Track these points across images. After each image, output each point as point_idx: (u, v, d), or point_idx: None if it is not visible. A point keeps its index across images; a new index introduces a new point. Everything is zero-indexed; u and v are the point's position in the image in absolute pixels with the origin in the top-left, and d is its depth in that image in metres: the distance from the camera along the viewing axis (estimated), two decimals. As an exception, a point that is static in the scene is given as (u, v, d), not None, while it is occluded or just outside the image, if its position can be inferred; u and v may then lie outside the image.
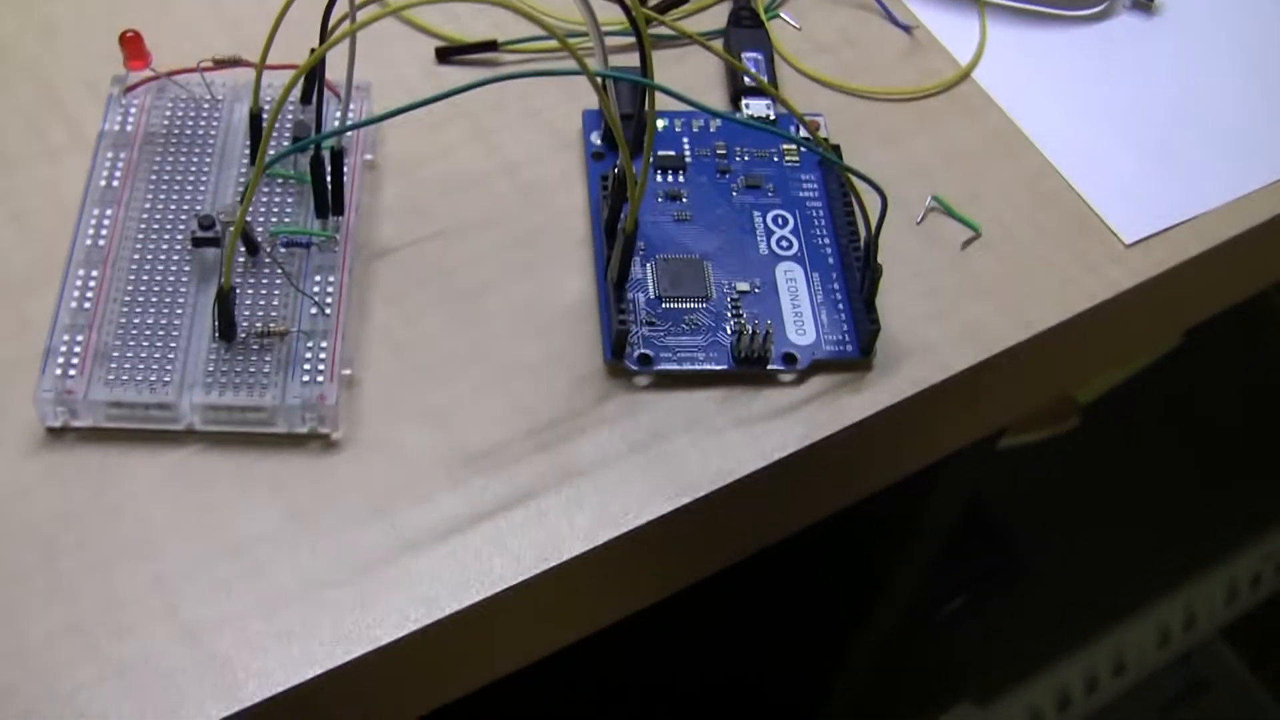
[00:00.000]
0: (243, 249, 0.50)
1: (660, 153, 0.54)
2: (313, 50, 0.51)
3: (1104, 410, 0.90)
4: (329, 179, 0.50)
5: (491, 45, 0.57)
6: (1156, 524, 0.99)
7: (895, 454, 0.55)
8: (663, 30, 0.59)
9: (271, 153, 0.52)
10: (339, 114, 0.53)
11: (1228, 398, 1.01)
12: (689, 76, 0.58)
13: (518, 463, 0.48)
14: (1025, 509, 0.95)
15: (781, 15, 0.60)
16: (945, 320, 0.53)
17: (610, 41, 0.55)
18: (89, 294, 0.49)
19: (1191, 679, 1.04)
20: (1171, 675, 1.03)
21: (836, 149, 0.55)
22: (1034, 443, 0.87)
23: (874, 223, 0.48)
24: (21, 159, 0.54)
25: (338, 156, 0.50)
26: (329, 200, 0.50)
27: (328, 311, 0.49)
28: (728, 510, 0.50)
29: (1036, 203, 0.56)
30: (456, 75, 0.57)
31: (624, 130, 0.53)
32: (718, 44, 0.59)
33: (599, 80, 0.44)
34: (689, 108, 0.54)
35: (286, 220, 0.51)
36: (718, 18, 0.60)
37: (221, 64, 0.52)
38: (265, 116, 0.52)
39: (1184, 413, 0.99)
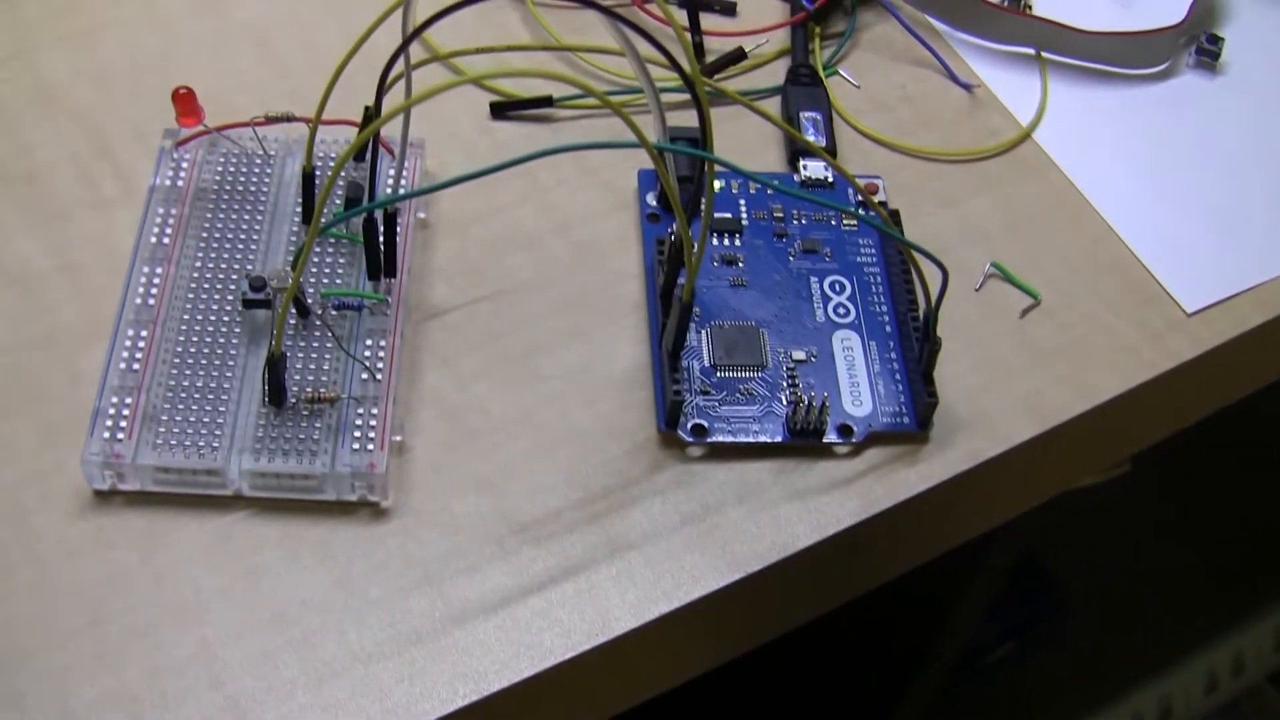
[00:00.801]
0: (293, 311, 0.49)
1: (717, 214, 0.54)
2: (367, 108, 0.51)
3: (1154, 455, 0.89)
4: (382, 241, 0.50)
5: (546, 101, 0.56)
6: (1206, 570, 0.98)
7: (950, 525, 0.54)
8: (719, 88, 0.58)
9: (325, 213, 0.51)
10: (393, 171, 0.53)
11: (1278, 440, 1.00)
12: (746, 133, 0.57)
13: (569, 533, 0.47)
14: (1074, 554, 0.94)
15: (840, 72, 0.59)
16: (1003, 391, 0.52)
17: (667, 98, 0.55)
18: (138, 354, 0.48)
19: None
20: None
21: (895, 214, 0.54)
22: (1083, 488, 0.86)
23: (934, 296, 0.48)
24: (73, 209, 0.53)
25: (391, 218, 0.50)
26: (381, 262, 0.50)
27: (378, 377, 0.48)
28: (781, 583, 0.49)
29: (1097, 268, 0.55)
30: (510, 131, 0.57)
31: (681, 194, 0.53)
32: (773, 109, 0.58)
33: (656, 152, 0.43)
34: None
35: (338, 281, 0.50)
36: (776, 74, 0.59)
37: (274, 120, 0.52)
38: (318, 176, 0.52)
39: (1235, 457, 0.98)
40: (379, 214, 0.49)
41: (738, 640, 0.52)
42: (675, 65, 0.43)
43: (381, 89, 0.47)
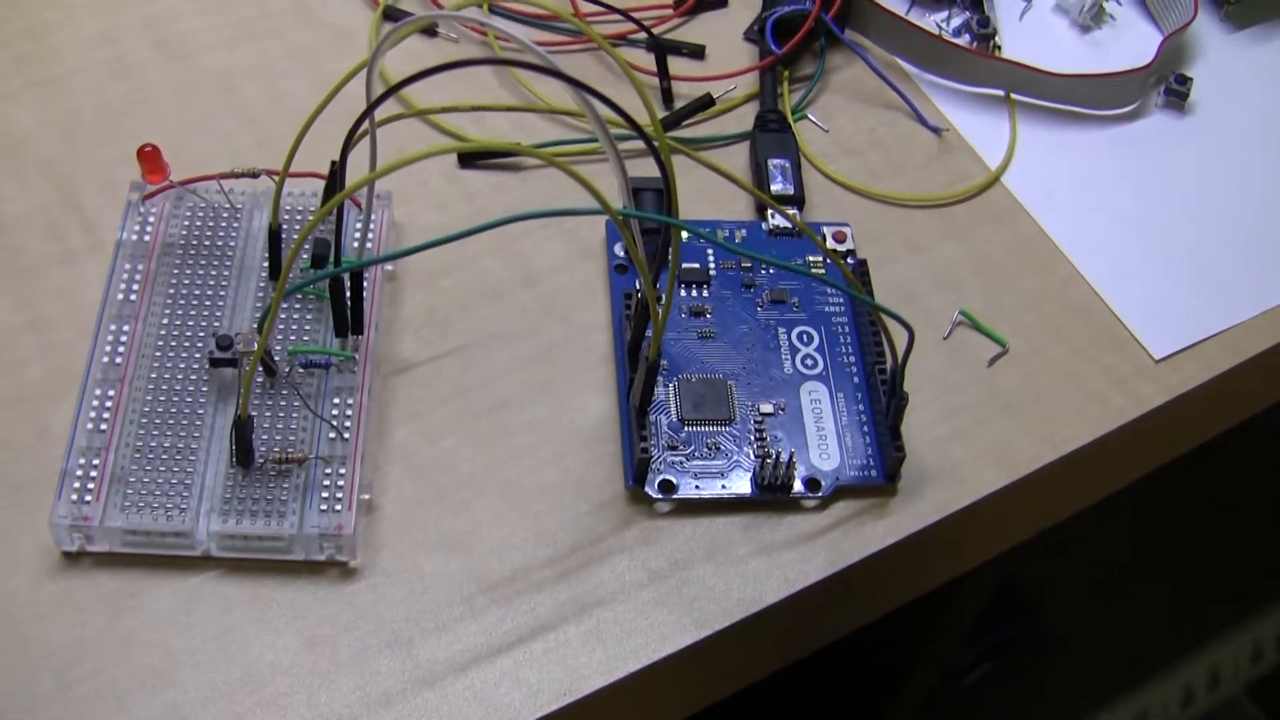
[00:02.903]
0: (260, 369, 0.49)
1: (685, 265, 0.54)
2: (333, 163, 0.51)
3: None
4: (349, 298, 0.50)
5: (514, 151, 0.56)
6: (1180, 585, 0.99)
7: (919, 574, 0.54)
8: (687, 134, 0.58)
9: (294, 271, 0.51)
10: (359, 224, 0.53)
11: (1250, 457, 1.00)
12: (713, 181, 0.57)
13: (537, 591, 0.48)
14: (1048, 574, 0.94)
15: (809, 116, 0.59)
16: (971, 440, 0.52)
17: (635, 145, 0.55)
18: (105, 414, 0.48)
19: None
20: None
21: (864, 264, 0.54)
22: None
23: (900, 353, 0.48)
24: (40, 262, 0.53)
25: (358, 275, 0.50)
26: (349, 320, 0.50)
27: (346, 436, 0.48)
28: (750, 636, 0.49)
29: (1065, 314, 0.55)
30: (479, 180, 0.57)
31: (648, 245, 0.53)
32: (741, 154, 0.58)
33: (620, 218, 0.43)
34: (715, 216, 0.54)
35: (305, 338, 0.50)
36: (744, 119, 0.59)
37: (242, 175, 0.51)
38: (285, 229, 0.52)
39: (1205, 473, 0.98)
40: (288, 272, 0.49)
41: (707, 691, 0.52)
42: (634, 126, 0.43)
43: (346, 150, 0.47)
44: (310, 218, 0.53)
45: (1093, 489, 0.57)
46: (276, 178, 0.52)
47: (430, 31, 0.61)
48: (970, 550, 0.55)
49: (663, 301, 0.46)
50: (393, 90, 0.43)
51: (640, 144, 0.44)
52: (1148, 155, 0.60)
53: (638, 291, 0.50)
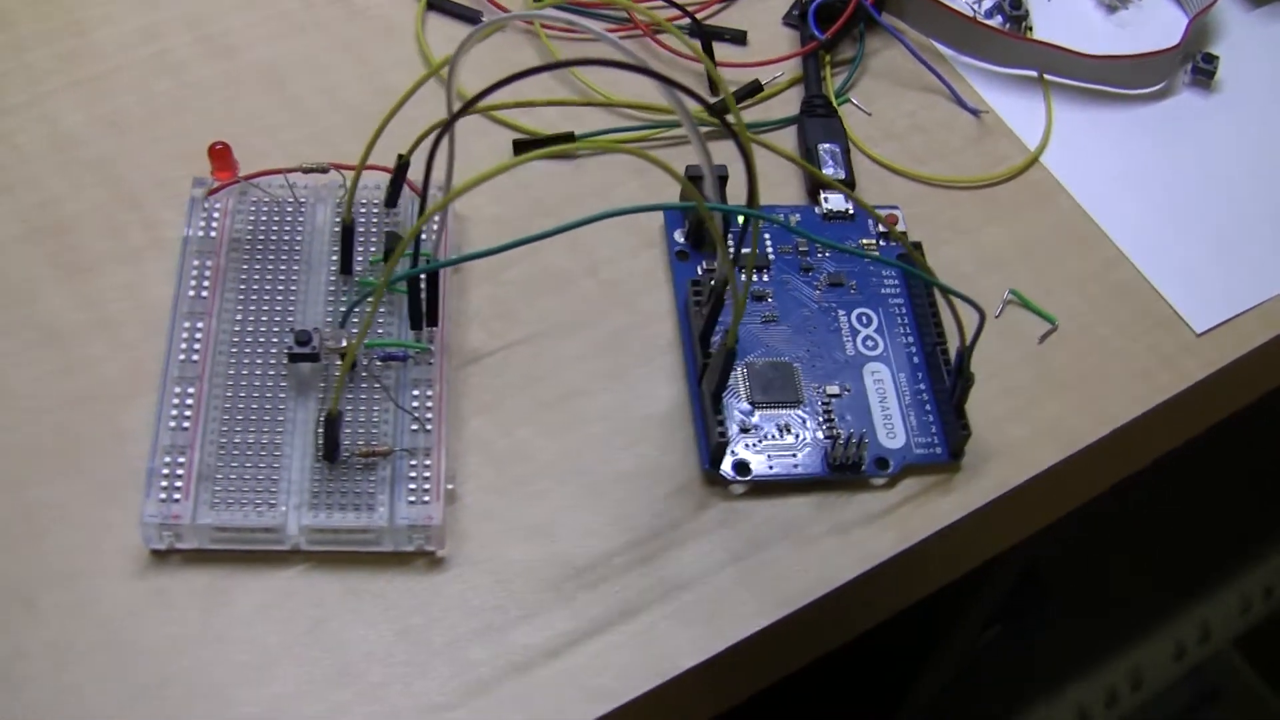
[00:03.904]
0: (338, 362, 0.50)
1: (744, 250, 0.55)
2: (400, 156, 0.51)
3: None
4: (424, 292, 0.50)
5: (569, 138, 0.57)
6: (1172, 541, 1.01)
7: (978, 546, 0.55)
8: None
9: (360, 260, 0.52)
10: (421, 214, 0.53)
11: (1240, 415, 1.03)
12: (763, 165, 0.57)
13: (622, 576, 0.49)
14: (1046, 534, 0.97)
15: (852, 100, 0.61)
16: (1026, 418, 0.53)
17: (681, 133, 0.56)
18: (186, 412, 0.49)
19: (1203, 689, 1.06)
20: (1184, 686, 1.04)
21: (918, 246, 0.55)
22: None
23: (969, 335, 0.49)
24: (101, 260, 0.53)
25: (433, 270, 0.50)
26: (424, 312, 0.50)
27: (428, 428, 0.49)
28: (823, 612, 0.50)
29: (1109, 292, 0.57)
30: (534, 169, 0.57)
31: (705, 234, 0.54)
32: (789, 140, 0.59)
33: (710, 213, 0.44)
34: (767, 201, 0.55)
35: (380, 331, 0.51)
36: (788, 103, 0.60)
37: (310, 170, 0.52)
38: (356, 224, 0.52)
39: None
40: (399, 264, 0.50)
41: (779, 666, 0.53)
42: (722, 121, 0.44)
43: (432, 157, 0.47)
44: (375, 210, 0.53)
45: (1135, 459, 0.58)
46: (343, 173, 0.53)
47: (473, 19, 0.61)
48: (1024, 522, 0.57)
49: (742, 292, 0.47)
50: (475, 101, 0.43)
51: (685, 132, 0.44)
52: (1178, 134, 0.62)
53: (707, 275, 0.51)
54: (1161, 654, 1.01)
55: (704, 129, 0.58)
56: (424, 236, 0.53)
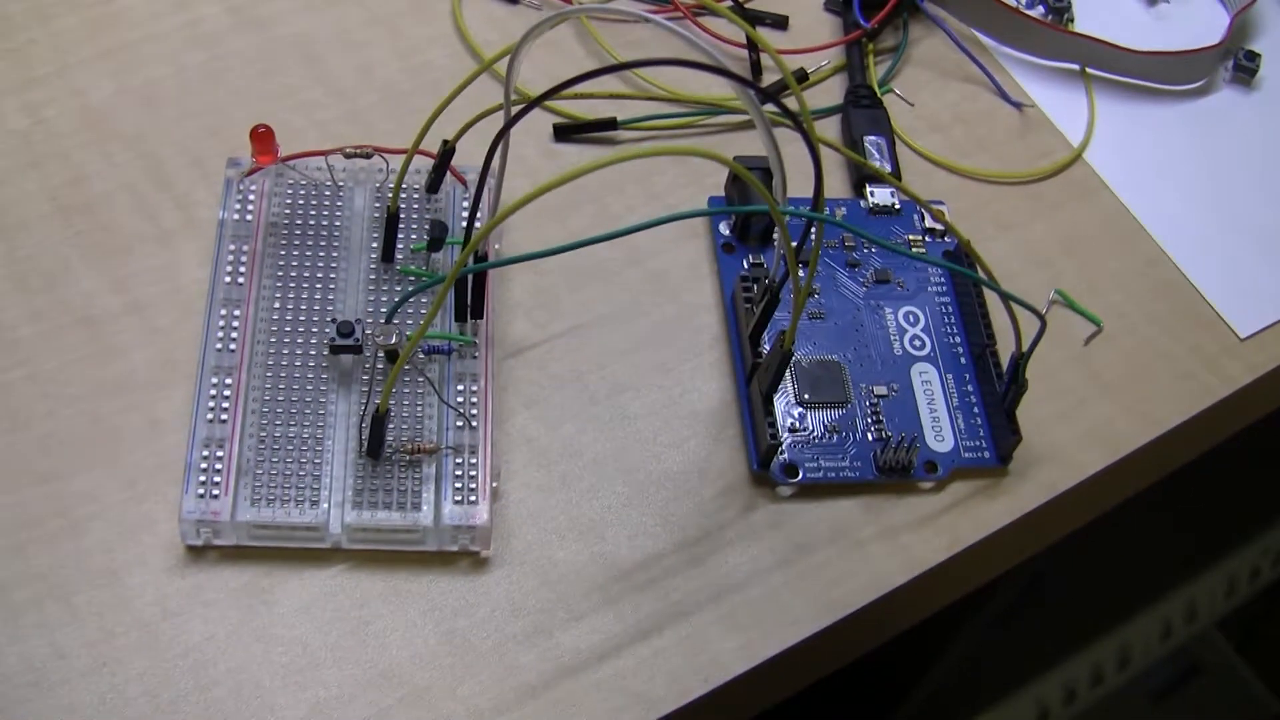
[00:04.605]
0: (382, 356, 0.48)
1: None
2: (445, 141, 0.50)
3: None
4: (470, 285, 0.49)
5: (611, 124, 0.56)
6: (1161, 524, 1.01)
7: (1019, 548, 0.55)
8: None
9: (401, 248, 0.50)
10: (466, 201, 0.52)
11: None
12: (805, 156, 0.56)
13: (671, 578, 0.48)
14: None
15: (895, 91, 0.59)
16: (1073, 421, 0.53)
17: (726, 120, 0.54)
18: (225, 403, 0.47)
19: (1184, 666, 1.07)
20: (1165, 663, 1.05)
21: (967, 244, 0.54)
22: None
23: (1026, 341, 0.48)
24: (133, 242, 0.52)
25: (480, 260, 0.49)
26: (469, 304, 0.49)
27: (474, 424, 0.48)
28: (870, 615, 0.50)
29: (1152, 293, 0.56)
30: (575, 155, 0.56)
31: (755, 226, 0.53)
32: (832, 129, 0.58)
33: (783, 217, 0.43)
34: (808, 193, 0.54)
35: (421, 323, 0.49)
36: (830, 92, 0.59)
37: (353, 155, 0.50)
38: (392, 208, 0.51)
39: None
40: (470, 258, 0.48)
41: (824, 664, 0.52)
42: (791, 116, 0.43)
43: (489, 159, 0.45)
44: (416, 196, 0.52)
45: (1173, 460, 0.58)
46: (385, 156, 0.51)
47: (510, -1, 0.60)
48: (1063, 524, 0.56)
49: (804, 294, 0.46)
50: (538, 102, 0.42)
51: (734, 119, 0.42)
52: (1220, 131, 0.61)
53: (759, 275, 0.50)
54: (1149, 633, 1.01)
55: (742, 117, 0.57)
56: (461, 224, 0.52)
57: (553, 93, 0.41)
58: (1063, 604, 0.98)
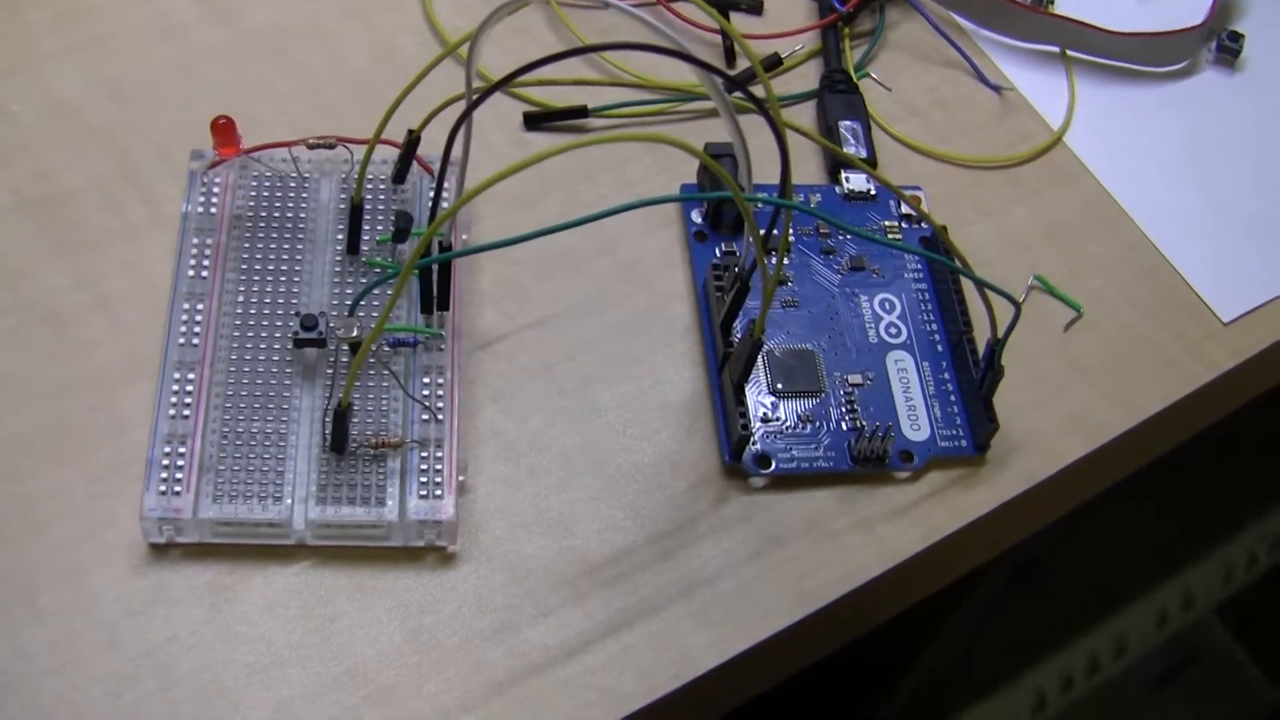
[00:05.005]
0: (345, 349, 0.48)
1: (762, 230, 0.53)
2: (410, 131, 0.49)
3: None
4: (436, 276, 0.48)
5: (582, 111, 0.55)
6: (1157, 511, 1.00)
7: (998, 538, 0.54)
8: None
9: (366, 239, 0.50)
10: (431, 191, 0.51)
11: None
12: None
13: (640, 572, 0.47)
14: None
15: (871, 75, 0.59)
16: (1051, 408, 0.52)
17: (694, 107, 0.54)
18: (187, 399, 0.47)
19: (1182, 653, 1.06)
20: (1162, 651, 1.04)
21: (944, 230, 0.53)
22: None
23: (1000, 326, 0.47)
24: (101, 236, 0.51)
25: (445, 251, 0.48)
26: (435, 296, 0.48)
27: (440, 418, 0.47)
28: (846, 607, 0.49)
29: (1134, 277, 0.56)
30: (544, 143, 0.55)
31: (727, 214, 0.52)
32: (808, 115, 0.57)
33: (746, 204, 0.42)
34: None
35: (381, 314, 0.49)
36: (806, 77, 0.58)
37: (316, 146, 0.49)
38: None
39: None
40: (434, 248, 0.48)
41: (798, 660, 0.52)
42: (758, 104, 0.42)
43: (450, 143, 0.45)
44: (382, 187, 0.51)
45: (1156, 447, 0.57)
46: (349, 147, 0.50)
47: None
48: (1043, 513, 0.55)
49: (772, 284, 0.45)
50: (499, 85, 0.41)
51: (707, 105, 0.42)
52: (1203, 113, 0.60)
53: (731, 264, 0.49)
54: (1145, 621, 1.01)
55: (713, 104, 0.57)
56: (425, 212, 0.51)
57: (515, 75, 0.41)
58: (1058, 592, 0.98)
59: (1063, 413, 0.52)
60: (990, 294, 0.47)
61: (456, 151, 0.48)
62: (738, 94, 0.43)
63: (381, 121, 0.47)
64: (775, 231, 0.49)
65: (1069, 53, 0.61)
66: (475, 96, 0.43)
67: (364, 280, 0.49)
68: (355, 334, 0.46)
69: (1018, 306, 0.46)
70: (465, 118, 0.42)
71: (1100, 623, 1.00)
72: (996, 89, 0.59)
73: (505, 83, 0.41)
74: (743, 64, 0.58)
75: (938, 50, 0.60)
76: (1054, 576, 0.98)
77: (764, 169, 0.47)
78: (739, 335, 0.49)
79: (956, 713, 0.91)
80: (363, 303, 0.48)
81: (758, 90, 0.45)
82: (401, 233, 0.49)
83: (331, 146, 0.50)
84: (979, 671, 0.96)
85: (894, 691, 0.85)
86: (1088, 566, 0.99)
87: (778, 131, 0.43)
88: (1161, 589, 1.02)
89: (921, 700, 0.87)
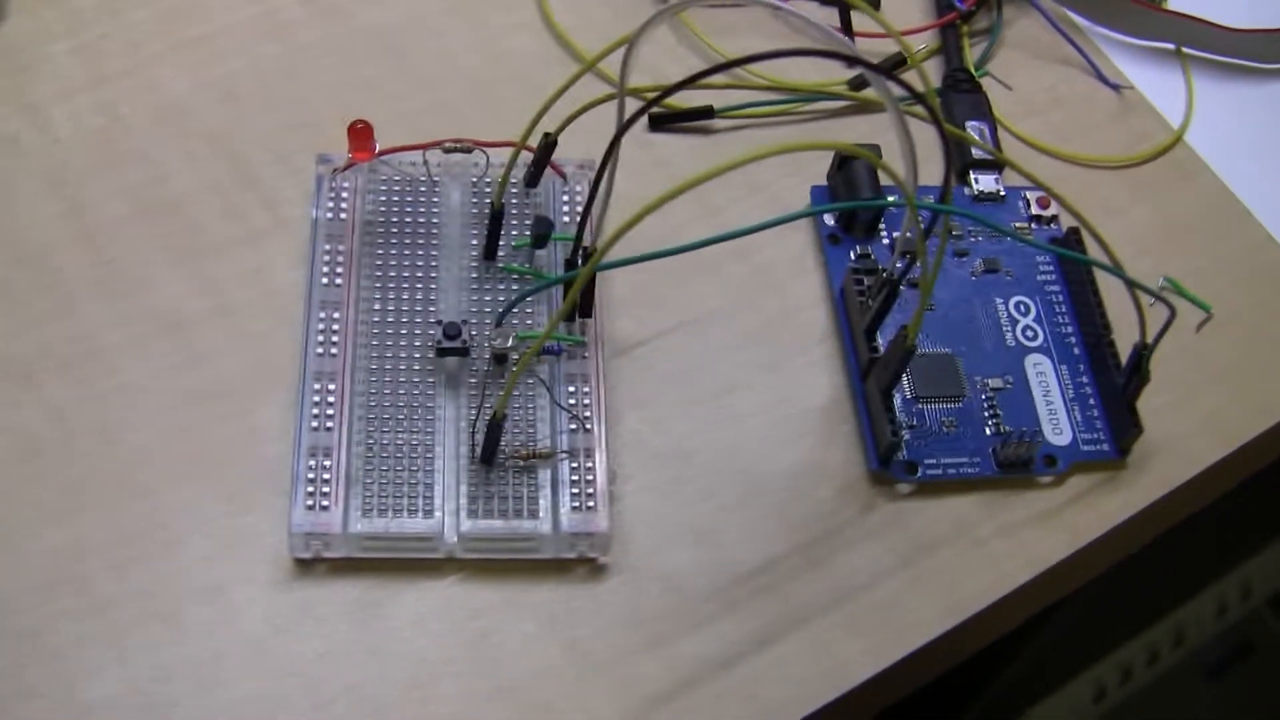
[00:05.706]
0: (488, 359, 0.47)
1: (895, 234, 0.52)
2: (546, 134, 0.48)
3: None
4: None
5: (707, 112, 0.54)
6: (1219, 502, 1.01)
7: (1133, 541, 0.53)
8: (871, 93, 0.56)
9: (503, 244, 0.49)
10: (566, 198, 0.50)
11: None
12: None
13: (791, 581, 0.46)
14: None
15: (991, 74, 0.58)
16: (1187, 411, 0.51)
17: (822, 106, 0.53)
18: (329, 410, 0.45)
19: (1236, 643, 1.06)
20: (1218, 641, 1.04)
21: (1075, 232, 0.53)
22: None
23: (1151, 332, 0.47)
24: (222, 243, 0.50)
25: (588, 258, 0.47)
26: (578, 303, 0.47)
27: (588, 427, 0.46)
28: (993, 614, 0.48)
29: (1260, 278, 0.55)
30: (671, 144, 0.54)
31: (861, 216, 0.52)
32: (953, 128, 0.56)
33: (916, 211, 0.41)
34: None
35: (528, 323, 0.48)
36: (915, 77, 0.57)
37: (452, 150, 0.48)
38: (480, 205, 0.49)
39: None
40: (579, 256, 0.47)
41: (940, 665, 0.51)
42: (929, 108, 0.41)
43: (606, 158, 0.44)
44: (514, 191, 0.50)
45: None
46: (483, 150, 0.49)
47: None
48: (1173, 514, 0.55)
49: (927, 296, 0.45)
50: (654, 103, 0.40)
51: (831, 105, 0.41)
52: (1321, 111, 0.60)
53: (882, 271, 0.48)
54: (1204, 612, 1.01)
55: (840, 104, 0.56)
56: (567, 220, 0.50)
57: (669, 92, 0.40)
58: (1121, 585, 0.98)
59: (1197, 415, 0.51)
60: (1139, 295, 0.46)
61: (586, 154, 0.47)
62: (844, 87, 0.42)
63: (527, 129, 0.46)
64: (910, 233, 0.49)
65: (1184, 50, 0.60)
66: (629, 116, 0.42)
67: (501, 286, 0.48)
68: (509, 344, 0.45)
69: (1172, 311, 0.46)
70: (622, 133, 0.42)
71: (1162, 614, 1.00)
72: (1115, 87, 0.58)
73: (664, 97, 0.40)
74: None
75: (1054, 48, 0.59)
76: (1118, 567, 0.98)
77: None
78: (881, 339, 0.49)
79: (1029, 707, 0.91)
80: (500, 309, 0.47)
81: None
82: (541, 238, 0.48)
83: (469, 150, 0.48)
84: (1049, 668, 0.96)
85: (978, 696, 0.85)
86: (1150, 558, 0.99)
87: (942, 131, 0.42)
88: (1221, 580, 1.02)
89: (1000, 702, 0.87)
